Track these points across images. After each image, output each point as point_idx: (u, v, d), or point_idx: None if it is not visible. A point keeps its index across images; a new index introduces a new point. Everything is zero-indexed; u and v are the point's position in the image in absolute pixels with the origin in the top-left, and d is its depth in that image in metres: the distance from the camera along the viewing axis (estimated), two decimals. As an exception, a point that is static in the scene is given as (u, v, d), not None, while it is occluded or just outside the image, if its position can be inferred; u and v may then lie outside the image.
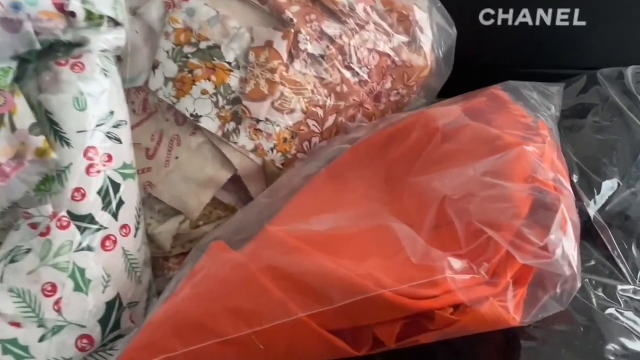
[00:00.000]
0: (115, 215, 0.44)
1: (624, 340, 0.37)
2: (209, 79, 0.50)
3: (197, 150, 0.50)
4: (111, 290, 0.43)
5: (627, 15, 0.62)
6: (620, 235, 0.44)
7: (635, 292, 0.41)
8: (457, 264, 0.35)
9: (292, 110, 0.51)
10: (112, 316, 0.43)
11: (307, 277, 0.36)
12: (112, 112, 0.44)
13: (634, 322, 0.38)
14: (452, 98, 0.54)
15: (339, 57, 0.52)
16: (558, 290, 0.36)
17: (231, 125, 0.50)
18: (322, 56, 0.52)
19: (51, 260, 0.41)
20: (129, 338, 0.40)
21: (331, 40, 0.52)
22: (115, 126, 0.45)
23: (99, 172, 0.43)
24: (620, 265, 0.43)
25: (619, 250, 0.44)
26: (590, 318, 0.38)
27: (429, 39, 0.57)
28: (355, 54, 0.53)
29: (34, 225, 0.41)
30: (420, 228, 0.40)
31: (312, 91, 0.52)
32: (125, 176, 0.45)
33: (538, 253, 0.35)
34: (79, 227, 0.42)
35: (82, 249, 0.42)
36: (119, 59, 0.49)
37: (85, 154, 0.42)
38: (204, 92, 0.50)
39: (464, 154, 0.43)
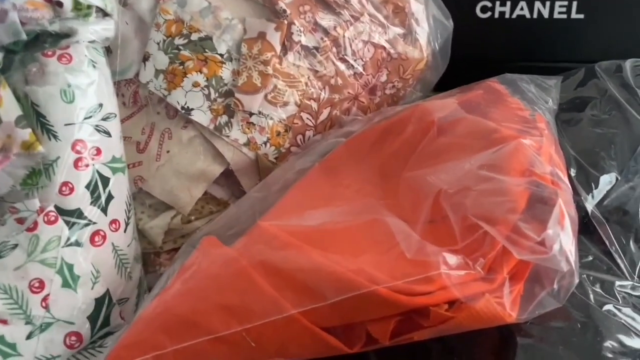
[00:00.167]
0: (104, 210, 0.43)
1: (622, 337, 0.37)
2: (201, 72, 0.49)
3: (188, 144, 0.50)
4: (100, 286, 0.43)
5: (625, 7, 0.61)
6: (618, 231, 0.44)
7: (633, 288, 0.41)
8: (452, 259, 0.35)
9: (285, 104, 0.51)
10: (102, 313, 0.43)
11: (300, 273, 0.36)
12: (100, 105, 0.44)
13: (632, 318, 0.38)
14: (448, 91, 0.54)
15: (334, 50, 0.52)
16: (555, 286, 0.35)
17: (223, 119, 0.49)
18: (316, 48, 0.51)
19: (39, 256, 0.40)
20: (118, 335, 0.40)
21: (325, 32, 0.52)
22: (104, 119, 0.44)
23: (87, 166, 0.42)
24: (618, 260, 0.43)
25: (617, 246, 0.43)
26: (587, 315, 0.38)
27: (425, 31, 0.56)
28: (350, 46, 0.52)
29: (20, 220, 0.41)
30: (415, 223, 0.39)
31: (306, 84, 0.51)
32: (114, 170, 0.44)
33: (535, 248, 0.34)
34: (67, 222, 0.41)
35: (71, 245, 0.41)
36: (108, 51, 0.48)
37: (73, 148, 0.42)
38: (195, 84, 0.49)
39: (460, 148, 0.43)
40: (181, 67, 0.49)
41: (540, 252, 0.34)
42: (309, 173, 0.48)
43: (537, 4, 0.62)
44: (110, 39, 0.46)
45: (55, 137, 0.41)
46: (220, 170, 0.50)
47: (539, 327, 0.37)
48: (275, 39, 0.50)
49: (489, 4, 0.63)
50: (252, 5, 0.51)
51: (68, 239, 0.41)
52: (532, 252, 0.34)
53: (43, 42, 0.42)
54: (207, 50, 0.50)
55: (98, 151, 0.43)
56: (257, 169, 0.51)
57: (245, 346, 0.35)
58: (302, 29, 0.51)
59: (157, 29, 0.50)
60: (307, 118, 0.52)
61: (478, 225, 0.36)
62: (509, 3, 0.62)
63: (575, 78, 0.56)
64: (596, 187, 0.46)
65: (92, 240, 0.42)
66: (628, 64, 0.55)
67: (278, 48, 0.50)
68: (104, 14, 0.45)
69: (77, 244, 0.42)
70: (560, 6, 0.61)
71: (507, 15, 0.63)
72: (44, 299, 0.40)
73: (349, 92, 0.53)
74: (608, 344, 0.36)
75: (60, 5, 0.41)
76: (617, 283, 0.40)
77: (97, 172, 0.43)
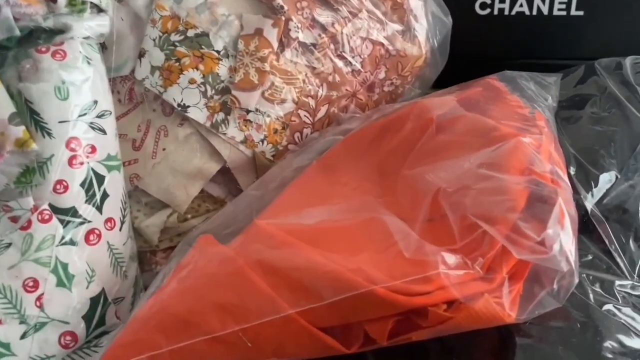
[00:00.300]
0: (99, 209, 0.43)
1: (622, 337, 0.36)
2: (197, 68, 0.49)
3: (185, 142, 0.49)
4: (95, 285, 0.43)
5: (625, 4, 0.61)
6: (618, 229, 0.44)
7: (633, 287, 0.40)
8: (451, 259, 0.35)
9: (283, 101, 0.50)
10: (97, 312, 0.43)
11: (297, 272, 0.36)
12: (95, 102, 0.43)
13: (632, 318, 0.38)
14: (447, 88, 0.53)
15: (331, 46, 0.51)
16: (555, 286, 0.35)
17: (220, 116, 0.49)
18: (313, 45, 0.51)
19: (32, 255, 0.40)
20: (114, 334, 0.40)
21: (323, 28, 0.51)
22: (99, 116, 0.43)
23: (82, 163, 0.42)
24: (618, 259, 0.42)
25: (616, 245, 0.43)
26: (587, 314, 0.38)
27: (424, 27, 0.56)
28: (348, 42, 0.52)
29: (14, 219, 0.40)
30: (413, 222, 0.39)
31: (304, 81, 0.51)
32: (110, 168, 0.44)
33: (535, 248, 0.34)
34: (61, 221, 0.41)
35: (65, 243, 0.41)
36: (103, 47, 0.48)
37: (67, 145, 0.41)
38: (191, 81, 0.49)
39: (459, 146, 0.42)
40: (177, 63, 0.49)
41: (540, 252, 0.34)
42: (307, 171, 0.47)
43: (537, 1, 0.62)
44: (105, 35, 0.45)
45: (49, 134, 0.41)
46: (217, 168, 0.49)
47: (538, 327, 0.37)
48: (272, 35, 0.49)
49: (488, 1, 0.62)
50: (249, 1, 0.50)
51: (62, 237, 0.41)
52: (532, 252, 0.34)
53: (37, 38, 0.42)
54: (203, 46, 0.49)
55: (93, 149, 0.43)
56: (254, 166, 0.51)
57: (241, 346, 0.35)
58: (299, 25, 0.50)
59: (153, 25, 0.50)
60: (305, 115, 0.51)
61: (477, 224, 0.36)
62: (508, 0, 0.62)
63: (574, 75, 0.56)
64: (596, 186, 0.46)
65: (87, 239, 0.42)
66: (628, 61, 0.54)
67: (275, 45, 0.49)
68: (98, 9, 0.44)
69: (72, 242, 0.41)
70: (560, 3, 0.61)
71: (506, 12, 0.63)
72: (38, 298, 0.40)
73: (347, 90, 0.53)
74: (608, 344, 0.36)
75: (54, 0, 0.41)
76: (617, 282, 0.40)
77: (92, 170, 0.43)
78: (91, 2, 0.43)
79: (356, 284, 0.34)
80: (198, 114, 0.49)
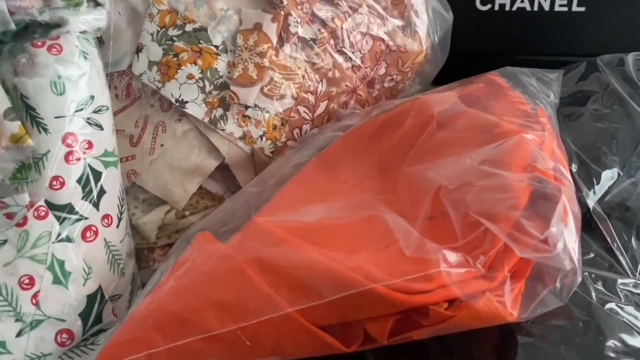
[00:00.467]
0: (96, 205, 0.43)
1: (624, 336, 0.36)
2: (195, 63, 0.48)
3: (183, 138, 0.49)
4: (92, 282, 0.42)
5: (627, 0, 0.60)
6: (620, 227, 0.44)
7: (635, 285, 0.40)
8: (452, 257, 0.34)
9: (282, 97, 0.50)
10: (94, 310, 0.42)
11: (296, 270, 0.35)
12: (92, 97, 0.43)
13: (635, 317, 0.38)
14: (447, 85, 0.53)
15: (331, 41, 0.51)
16: (558, 284, 0.35)
17: (219, 112, 0.48)
18: (313, 40, 0.50)
19: (28, 252, 0.40)
20: (110, 332, 0.39)
21: (323, 23, 0.51)
22: (96, 112, 0.43)
23: (78, 159, 0.41)
24: (620, 257, 0.42)
25: (618, 243, 0.43)
26: (589, 313, 0.37)
27: (425, 23, 0.55)
28: (348, 38, 0.51)
29: (10, 216, 0.40)
30: (414, 219, 0.39)
31: (303, 76, 0.50)
32: (106, 164, 0.44)
33: (538, 246, 0.34)
34: (57, 217, 0.41)
35: (62, 240, 0.41)
36: (100, 42, 0.47)
37: (64, 141, 0.41)
38: (190, 76, 0.48)
39: (461, 142, 0.42)
40: (175, 58, 0.48)
41: (544, 251, 0.34)
42: (306, 167, 0.47)
43: (538, -3, 0.61)
44: (102, 29, 0.45)
45: (45, 130, 0.40)
46: (215, 164, 0.49)
47: (540, 325, 0.36)
48: (271, 30, 0.49)
49: (489, -4, 0.62)
50: (248, -4, 0.50)
51: (59, 234, 0.40)
52: (535, 250, 0.34)
53: (33, 32, 0.41)
54: (201, 41, 0.49)
55: (89, 144, 0.42)
56: (253, 163, 0.50)
57: (240, 344, 0.35)
58: (299, 20, 0.50)
59: (151, 20, 0.49)
60: (304, 111, 0.51)
61: (479, 222, 0.35)
62: (509, -5, 0.62)
63: (576, 72, 0.55)
64: (598, 183, 0.46)
65: (83, 235, 0.42)
66: (630, 57, 0.54)
67: (274, 40, 0.49)
68: (95, 3, 0.44)
69: (68, 239, 0.41)
70: (562, -2, 0.61)
71: (507, 8, 0.62)
72: (34, 295, 0.39)
73: (346, 85, 0.52)
74: (610, 343, 0.36)
75: (50, -6, 0.40)
76: (619, 281, 0.40)
77: (89, 166, 0.42)
78: (88, -4, 0.42)
79: (356, 282, 0.33)
80: (196, 110, 0.48)
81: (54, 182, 0.40)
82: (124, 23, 0.49)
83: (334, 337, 0.34)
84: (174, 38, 0.49)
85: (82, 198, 0.42)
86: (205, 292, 0.37)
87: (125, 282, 0.45)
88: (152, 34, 0.49)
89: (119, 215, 0.45)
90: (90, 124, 0.42)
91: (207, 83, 0.48)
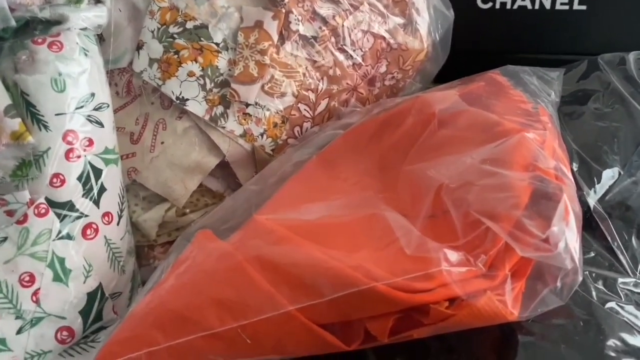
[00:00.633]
0: (96, 203, 0.42)
1: (624, 335, 0.36)
2: (196, 61, 0.48)
3: (183, 135, 0.49)
4: (93, 280, 0.42)
5: (628, -1, 0.60)
6: (621, 226, 0.44)
7: (635, 285, 0.40)
8: (453, 255, 0.34)
9: (282, 94, 0.50)
10: (94, 307, 0.42)
11: (296, 268, 0.35)
12: (93, 94, 0.43)
13: (635, 316, 0.37)
14: (448, 83, 0.53)
15: (332, 39, 0.51)
16: (558, 284, 0.35)
17: (219, 109, 0.48)
18: (314, 38, 0.50)
19: (29, 249, 0.40)
20: (111, 330, 0.39)
21: (324, 21, 0.51)
22: (97, 109, 0.43)
23: (79, 157, 0.41)
24: (620, 257, 0.42)
25: (619, 242, 0.43)
26: (590, 312, 0.37)
27: (426, 21, 0.55)
28: (349, 35, 0.51)
29: (10, 213, 0.40)
30: (415, 218, 0.38)
31: (304, 74, 0.50)
32: (107, 162, 0.43)
33: (539, 245, 0.34)
34: (58, 215, 0.41)
35: (62, 238, 0.41)
36: (101, 39, 0.47)
37: (64, 138, 0.41)
38: (190, 74, 0.48)
39: (462, 141, 0.42)
40: (176, 56, 0.48)
41: (545, 250, 0.34)
42: (306, 165, 0.47)
43: (539, -5, 0.61)
44: (102, 26, 0.45)
45: (45, 127, 0.40)
46: (216, 162, 0.49)
47: (540, 324, 0.36)
48: (272, 28, 0.49)
49: (490, -6, 0.62)
50: (249, -7, 0.50)
51: (59, 232, 0.40)
52: (536, 250, 0.34)
53: (33, 29, 0.41)
54: (202, 38, 0.48)
55: (90, 142, 0.42)
56: (254, 161, 0.50)
57: (240, 343, 0.35)
58: (300, 17, 0.49)
59: (152, 17, 0.49)
60: (305, 109, 0.51)
61: (480, 221, 0.35)
62: (510, -6, 0.62)
63: (577, 70, 0.55)
64: (598, 182, 0.46)
65: (84, 233, 0.42)
66: (631, 56, 0.54)
67: (275, 37, 0.49)
68: (96, 0, 0.43)
69: (69, 237, 0.41)
70: (562, -3, 0.61)
71: (508, 6, 0.62)
72: (35, 293, 0.39)
73: (347, 83, 0.52)
74: (611, 342, 0.36)
75: (51, -9, 0.40)
76: (620, 280, 0.40)
77: (89, 163, 0.42)
78: (88, -7, 0.42)
79: (357, 281, 0.33)
80: (197, 107, 0.48)
81: (55, 180, 0.40)
82: (125, 20, 0.49)
83: (335, 335, 0.34)
84: (175, 35, 0.48)
85: (83, 195, 0.41)
86: (206, 290, 0.37)
87: (126, 280, 0.45)
88: (152, 31, 0.49)
89: (119, 213, 0.45)
90: (90, 121, 0.42)
91: (207, 80, 0.48)
